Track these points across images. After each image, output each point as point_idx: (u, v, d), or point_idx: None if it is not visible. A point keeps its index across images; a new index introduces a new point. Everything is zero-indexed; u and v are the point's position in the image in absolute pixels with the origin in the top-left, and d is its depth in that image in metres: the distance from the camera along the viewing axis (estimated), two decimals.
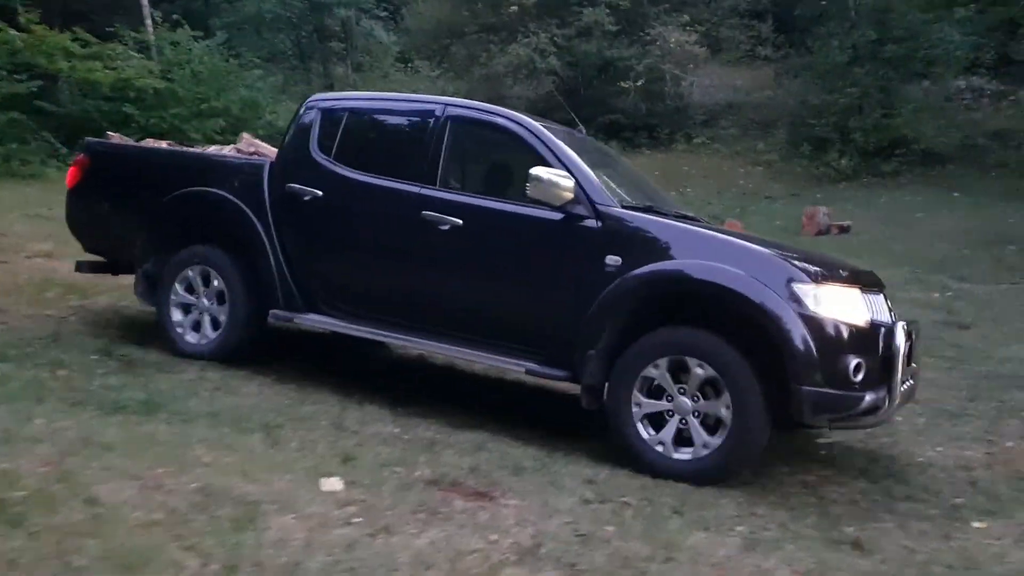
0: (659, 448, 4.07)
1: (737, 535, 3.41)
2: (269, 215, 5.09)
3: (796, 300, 3.91)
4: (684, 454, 4.04)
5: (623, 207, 4.42)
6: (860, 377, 3.90)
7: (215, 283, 5.19)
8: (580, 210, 4.35)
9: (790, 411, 3.94)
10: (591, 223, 4.33)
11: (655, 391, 4.14)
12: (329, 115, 5.21)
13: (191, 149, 6.33)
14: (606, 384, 4.25)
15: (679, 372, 4.08)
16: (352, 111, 5.27)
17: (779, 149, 19.18)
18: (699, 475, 3.95)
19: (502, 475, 3.83)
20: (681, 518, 3.53)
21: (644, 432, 4.11)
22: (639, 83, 20.06)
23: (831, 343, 3.89)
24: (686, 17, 20.75)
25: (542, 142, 4.61)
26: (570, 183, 4.30)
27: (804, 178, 17.96)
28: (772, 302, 3.91)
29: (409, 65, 23.52)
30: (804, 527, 3.60)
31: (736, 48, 22.22)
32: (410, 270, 4.75)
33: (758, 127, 20.59)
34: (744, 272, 3.99)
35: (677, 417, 4.07)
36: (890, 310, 4.43)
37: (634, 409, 4.12)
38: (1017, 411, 5.48)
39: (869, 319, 4.06)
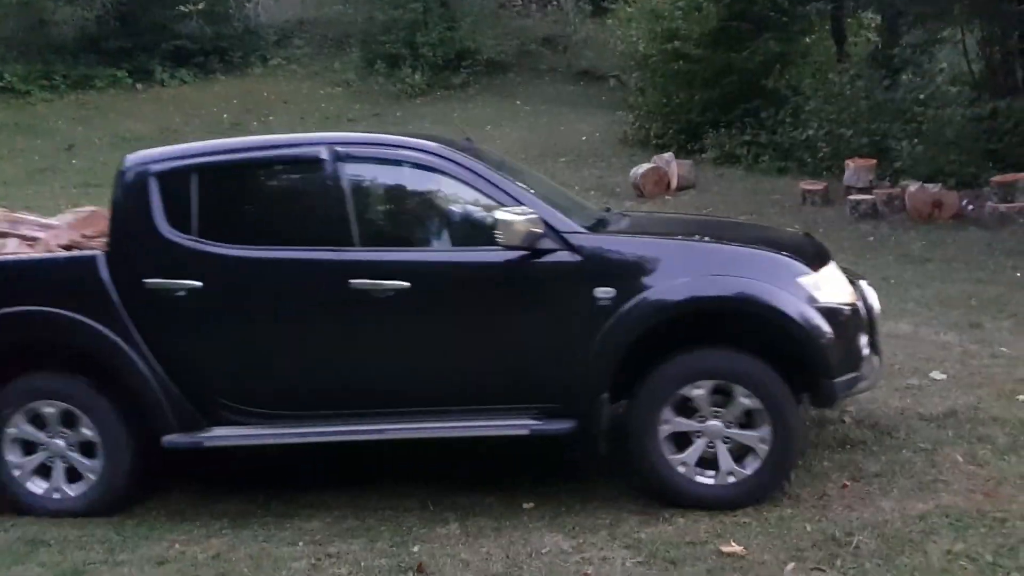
0: (681, 469, 3.97)
1: None
2: (129, 323, 4.07)
3: (806, 296, 3.93)
4: (707, 478, 3.97)
5: (594, 233, 4.09)
6: (867, 349, 4.11)
7: (84, 430, 4.18)
8: (549, 244, 3.90)
9: (818, 403, 4.13)
10: (566, 256, 3.92)
11: (686, 411, 3.98)
12: (170, 180, 4.17)
13: None
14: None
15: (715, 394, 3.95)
16: (202, 170, 4.19)
17: (355, 68, 19.18)
18: (721, 502, 3.93)
19: None
20: None
21: (668, 453, 3.96)
22: (200, 5, 18.70)
23: (845, 329, 3.99)
24: None
25: (475, 174, 4.07)
26: (536, 218, 3.82)
27: (383, 96, 18.22)
28: (792, 305, 3.89)
29: None
30: (377, 557, 3.80)
31: None
32: (347, 350, 4.06)
33: (332, 45, 20.39)
34: (758, 280, 3.92)
35: (704, 440, 3.95)
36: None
37: (662, 428, 3.95)
38: None
39: (851, 290, 4.17)
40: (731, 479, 3.94)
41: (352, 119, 17.19)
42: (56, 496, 4.22)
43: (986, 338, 5.97)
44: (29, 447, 4.23)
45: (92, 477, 4.18)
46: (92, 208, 5.21)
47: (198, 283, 4.03)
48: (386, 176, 4.33)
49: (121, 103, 17.90)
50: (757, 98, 12.40)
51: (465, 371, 4.07)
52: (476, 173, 4.09)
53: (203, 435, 4.11)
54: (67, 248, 4.53)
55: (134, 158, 4.30)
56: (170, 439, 4.09)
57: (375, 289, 3.94)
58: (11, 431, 4.19)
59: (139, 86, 18.68)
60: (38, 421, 4.20)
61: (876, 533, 3.63)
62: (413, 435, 4.14)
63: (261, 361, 4.12)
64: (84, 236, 4.63)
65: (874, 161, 10.21)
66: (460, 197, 4.18)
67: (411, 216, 4.50)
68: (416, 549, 3.82)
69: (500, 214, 3.80)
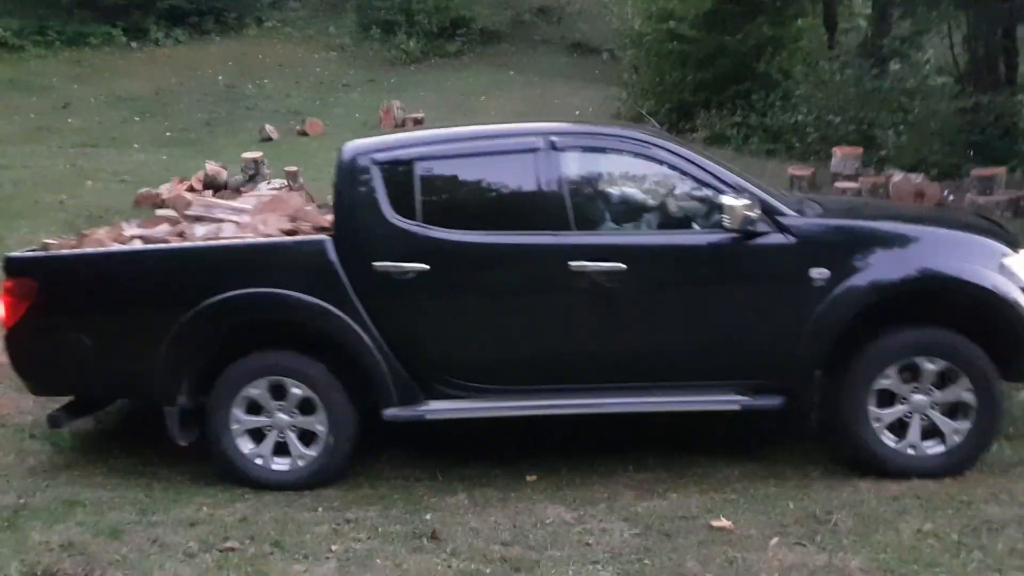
0: (891, 444, 4.25)
1: (333, 557, 3.81)
2: (357, 304, 4.27)
3: (1012, 276, 4.19)
4: (930, 447, 4.23)
5: (805, 216, 4.32)
6: None
7: (295, 391, 4.36)
8: (763, 227, 4.16)
9: (1012, 378, 4.30)
10: (780, 239, 4.18)
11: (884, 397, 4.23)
12: (392, 169, 4.40)
13: (208, 241, 4.73)
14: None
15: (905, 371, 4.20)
16: (424, 159, 4.42)
17: (350, 33, 19.20)
18: (943, 469, 4.21)
19: (99, 544, 3.83)
20: (282, 552, 3.84)
21: (876, 429, 4.23)
22: None
23: None
24: None
25: (688, 161, 4.35)
26: (753, 202, 4.11)
27: (377, 62, 18.31)
28: (1003, 286, 4.14)
29: None
30: (392, 523, 4.09)
31: None
32: (565, 328, 4.30)
33: (328, 8, 20.36)
34: (970, 262, 4.17)
35: (913, 413, 4.22)
36: None
37: (871, 410, 4.22)
38: None
39: None
40: (937, 449, 4.25)
41: (347, 84, 17.29)
42: (301, 464, 4.42)
43: None
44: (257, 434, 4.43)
45: (327, 446, 4.38)
46: (274, 191, 5.38)
47: (425, 266, 4.25)
48: (600, 164, 4.56)
49: (116, 61, 17.88)
50: (748, 80, 12.65)
51: (675, 349, 4.32)
52: (689, 160, 4.35)
53: (423, 408, 4.34)
54: (289, 233, 4.71)
55: (354, 147, 4.50)
56: (392, 412, 4.33)
57: (593, 271, 4.19)
58: (235, 426, 4.39)
59: (133, 44, 18.65)
60: (255, 406, 4.39)
61: (853, 512, 3.95)
62: (623, 409, 4.39)
63: (480, 339, 4.36)
64: (293, 221, 4.83)
65: (860, 149, 10.47)
66: (672, 183, 4.44)
67: (624, 201, 4.64)
68: (428, 517, 4.12)
69: (725, 199, 4.10)
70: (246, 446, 4.39)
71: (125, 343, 4.40)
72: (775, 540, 3.76)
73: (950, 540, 3.70)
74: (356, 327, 4.24)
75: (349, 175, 4.40)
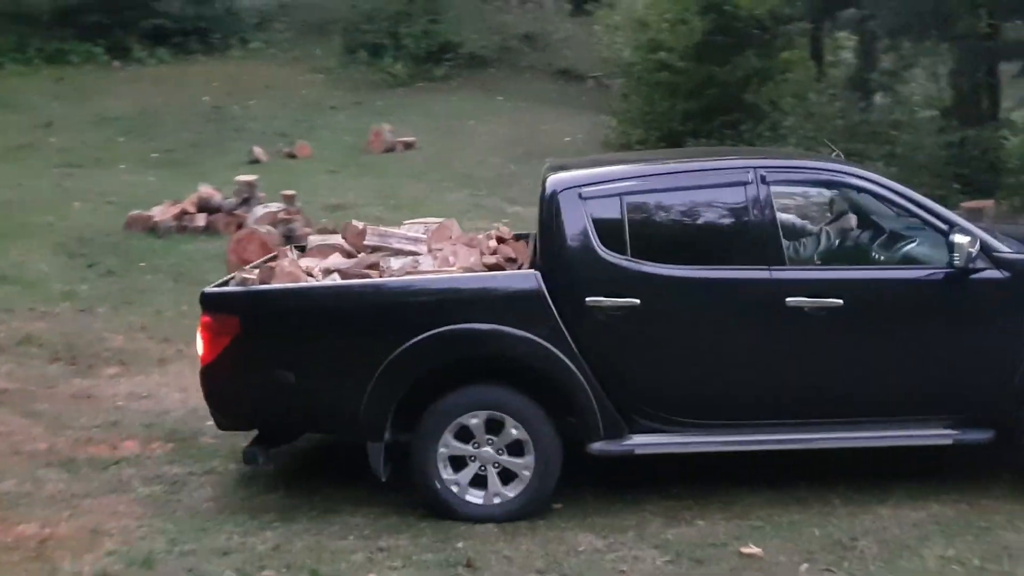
0: None
1: None
2: (568, 338, 4.23)
3: None
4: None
5: (1017, 251, 4.34)
6: None
7: (512, 431, 4.29)
8: (981, 264, 4.21)
9: None
10: (995, 274, 4.24)
11: None
12: (601, 203, 4.37)
13: (417, 276, 4.65)
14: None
15: None
16: (632, 193, 4.44)
17: (336, 55, 19.25)
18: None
19: (134, 574, 3.82)
20: None
21: None
22: None
23: None
24: None
25: (903, 196, 4.40)
26: (974, 238, 4.15)
27: (364, 85, 18.32)
28: None
29: None
30: (424, 552, 4.10)
31: None
32: (773, 364, 4.30)
33: (314, 30, 20.40)
34: None
35: None
36: None
37: None
38: None
39: None
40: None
41: (333, 106, 17.31)
42: (496, 501, 4.35)
43: None
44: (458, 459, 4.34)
45: (525, 479, 4.31)
46: (438, 220, 5.41)
47: (636, 301, 4.22)
48: (811, 197, 4.71)
49: (98, 80, 17.74)
50: (737, 111, 12.87)
51: (887, 383, 4.35)
52: (899, 193, 4.41)
53: (631, 443, 4.32)
54: (492, 267, 4.73)
55: (559, 180, 4.49)
56: (599, 447, 4.30)
57: (810, 305, 4.21)
58: (442, 450, 4.29)
59: (116, 63, 18.52)
60: (464, 433, 4.31)
61: (877, 538, 4.06)
62: (832, 445, 4.40)
63: (688, 374, 4.34)
64: (492, 254, 4.88)
65: None
66: (885, 218, 4.55)
67: (837, 235, 4.74)
68: (460, 545, 4.12)
69: (956, 236, 4.11)
70: (446, 473, 4.33)
71: (331, 379, 4.34)
72: (805, 567, 3.87)
73: (972, 566, 3.82)
74: (568, 362, 4.21)
75: (555, 209, 4.36)
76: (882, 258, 4.58)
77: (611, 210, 4.36)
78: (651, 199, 4.50)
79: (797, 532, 4.17)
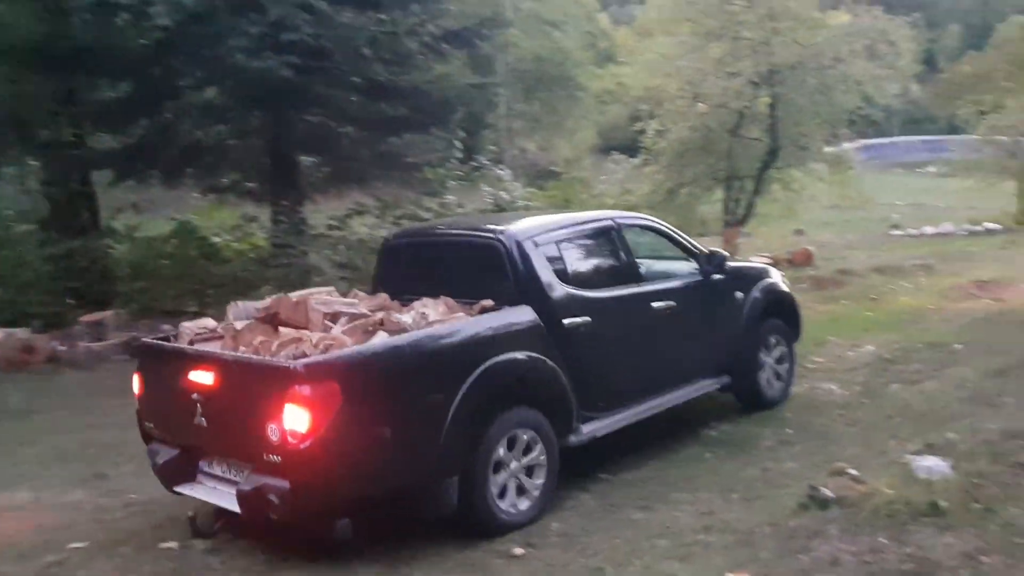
0: None
1: None
2: (557, 355, 5.17)
3: None
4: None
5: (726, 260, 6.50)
6: None
7: (534, 451, 4.96)
8: (712, 270, 6.34)
9: None
10: (720, 275, 6.38)
11: None
12: (543, 246, 5.40)
13: (455, 321, 5.00)
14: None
15: None
16: (561, 241, 5.60)
17: None
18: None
19: None
20: None
21: None
22: None
23: None
24: None
25: (672, 231, 6.49)
26: (716, 254, 6.47)
27: None
28: None
29: None
30: None
31: None
32: (650, 351, 5.85)
33: None
34: None
35: None
36: None
37: None
38: None
39: None
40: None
41: None
42: (513, 511, 4.84)
43: (114, 488, 5.78)
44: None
45: (536, 493, 4.96)
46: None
47: (588, 319, 5.41)
48: (636, 234, 6.27)
49: None
50: None
51: (695, 355, 6.31)
52: (671, 231, 6.47)
53: (589, 431, 5.33)
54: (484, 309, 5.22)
55: (516, 234, 5.41)
56: (574, 439, 5.25)
57: (661, 308, 5.89)
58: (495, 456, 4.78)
59: None
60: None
61: None
62: (676, 402, 6.08)
63: (614, 369, 5.63)
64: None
65: None
66: (663, 247, 6.46)
67: (646, 259, 6.28)
68: None
69: (710, 254, 6.53)
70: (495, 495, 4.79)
71: (418, 428, 4.55)
72: None
73: None
74: (562, 374, 5.15)
75: (524, 253, 5.28)
76: (669, 272, 6.32)
77: (549, 249, 5.43)
78: (563, 241, 5.63)
79: None
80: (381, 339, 4.70)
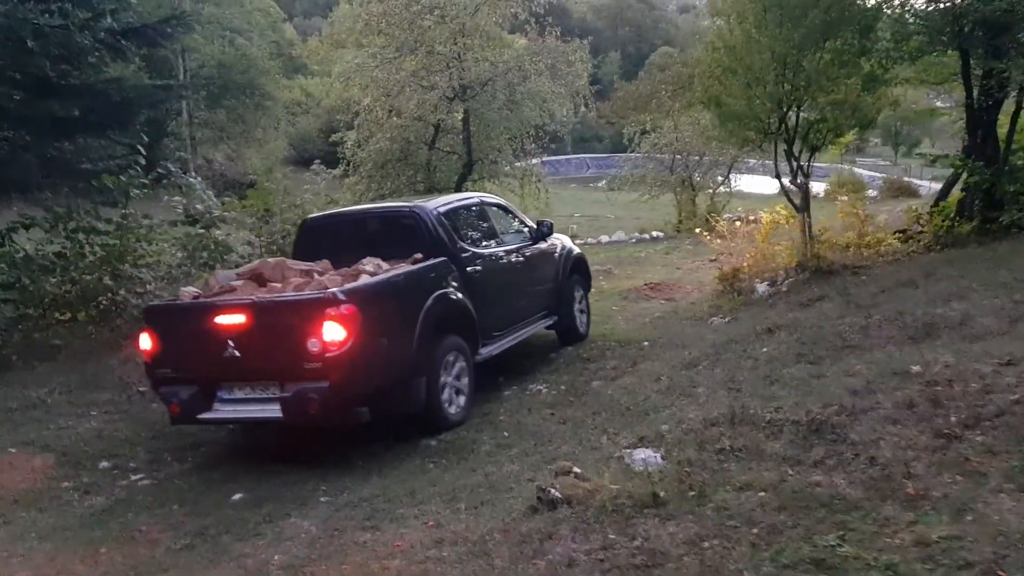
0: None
1: None
2: (469, 295, 7.19)
3: None
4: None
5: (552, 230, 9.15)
6: None
7: (460, 363, 6.93)
8: (541, 237, 8.90)
9: None
10: (545, 242, 9.01)
11: None
12: (445, 216, 7.52)
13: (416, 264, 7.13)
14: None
15: None
16: (451, 212, 7.74)
17: None
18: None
19: None
20: None
21: None
22: None
23: None
24: None
25: (514, 209, 9.29)
26: (543, 224, 9.07)
27: None
28: None
29: None
30: None
31: None
32: (512, 293, 8.14)
33: None
34: None
35: None
36: None
37: None
38: None
39: None
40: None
41: None
42: (453, 411, 6.78)
43: None
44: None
45: (463, 400, 6.95)
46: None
47: (480, 268, 7.57)
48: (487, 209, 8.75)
49: None
50: None
51: (537, 297, 8.91)
52: (511, 209, 9.28)
53: (486, 352, 7.40)
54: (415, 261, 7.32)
55: (425, 209, 7.55)
56: (479, 358, 7.25)
57: (515, 258, 8.43)
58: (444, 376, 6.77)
59: None
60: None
61: None
62: (528, 335, 8.56)
63: (496, 305, 7.66)
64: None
65: None
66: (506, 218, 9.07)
67: (505, 227, 8.87)
68: None
69: (538, 226, 9.20)
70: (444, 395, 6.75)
71: (401, 338, 6.31)
72: None
73: None
74: (472, 309, 7.11)
75: (438, 222, 7.39)
76: (516, 236, 8.70)
77: (452, 221, 7.60)
78: (459, 214, 7.94)
79: None
80: (375, 277, 6.58)
